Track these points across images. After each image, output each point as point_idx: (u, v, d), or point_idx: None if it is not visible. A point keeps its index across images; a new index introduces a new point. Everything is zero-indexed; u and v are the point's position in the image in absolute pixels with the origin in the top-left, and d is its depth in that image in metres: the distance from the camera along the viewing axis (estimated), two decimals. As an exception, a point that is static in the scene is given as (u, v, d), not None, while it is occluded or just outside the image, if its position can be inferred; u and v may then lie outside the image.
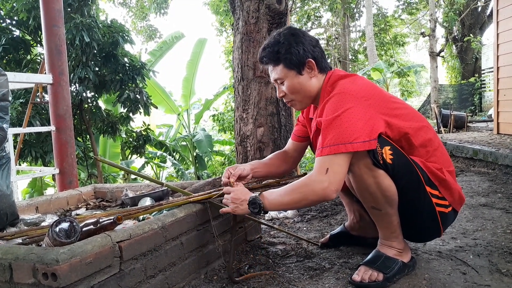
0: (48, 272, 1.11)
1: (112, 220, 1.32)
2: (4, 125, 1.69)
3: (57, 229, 1.18)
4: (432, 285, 1.47)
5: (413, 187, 1.45)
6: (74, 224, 1.22)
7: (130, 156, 10.41)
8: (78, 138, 7.95)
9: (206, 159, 11.94)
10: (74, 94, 7.09)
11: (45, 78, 3.14)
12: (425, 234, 1.61)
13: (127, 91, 7.14)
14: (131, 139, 8.82)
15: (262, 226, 2.32)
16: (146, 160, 10.65)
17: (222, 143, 13.38)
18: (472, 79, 15.72)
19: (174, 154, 11.38)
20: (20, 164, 7.29)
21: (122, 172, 10.89)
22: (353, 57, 19.23)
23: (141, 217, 1.78)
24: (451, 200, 1.52)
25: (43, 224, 1.88)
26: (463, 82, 16.57)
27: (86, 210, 2.33)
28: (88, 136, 7.96)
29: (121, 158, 10.24)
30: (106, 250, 1.25)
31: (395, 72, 13.12)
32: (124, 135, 8.74)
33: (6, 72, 1.80)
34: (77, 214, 2.24)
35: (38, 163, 7.15)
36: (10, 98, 1.75)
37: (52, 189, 9.88)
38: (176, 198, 1.77)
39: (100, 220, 1.36)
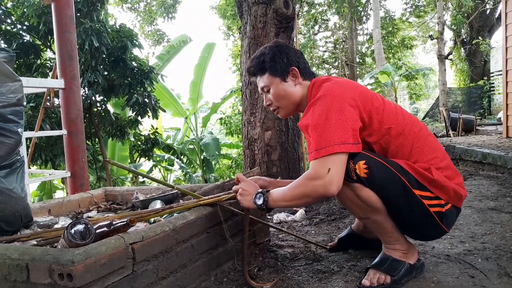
0: (64, 272, 1.14)
1: (125, 222, 1.36)
2: (19, 130, 1.74)
3: (73, 231, 1.21)
4: (440, 288, 1.48)
5: (399, 193, 1.46)
6: (89, 226, 1.25)
7: (138, 159, 10.49)
8: (87, 142, 8.03)
9: (213, 163, 11.98)
10: (83, 97, 7.16)
11: (57, 83, 3.19)
12: (428, 234, 1.62)
13: (135, 95, 7.21)
14: (139, 143, 8.90)
15: (271, 229, 2.34)
16: (154, 163, 10.73)
17: (229, 146, 13.43)
18: (481, 82, 15.63)
19: (182, 157, 11.45)
20: (30, 167, 7.38)
21: (131, 175, 10.97)
22: (361, 60, 19.20)
23: (152, 219, 1.81)
24: (446, 198, 1.51)
25: (56, 226, 1.91)
26: (471, 85, 16.48)
27: (98, 212, 2.37)
28: (97, 139, 8.04)
29: (129, 161, 10.32)
30: (119, 252, 1.28)
31: (403, 75, 13.08)
32: (132, 139, 8.82)
33: (20, 77, 1.85)
34: (88, 217, 2.28)
35: (48, 166, 7.24)
36: (24, 103, 1.79)
37: (61, 192, 9.98)
38: (187, 201, 1.80)
39: (113, 223, 1.39)
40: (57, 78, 3.20)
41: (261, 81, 1.71)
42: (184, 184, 10.29)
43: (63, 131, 3.23)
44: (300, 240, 2.23)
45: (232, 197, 1.77)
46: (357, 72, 18.13)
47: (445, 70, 15.30)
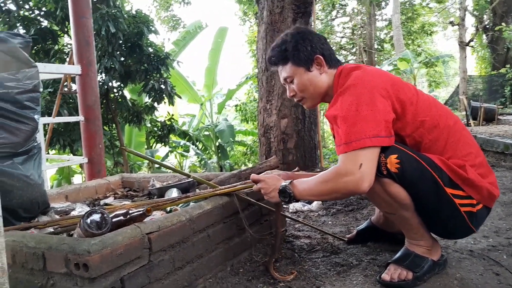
0: (80, 262, 1.13)
1: (141, 212, 1.34)
2: (36, 116, 1.73)
3: (89, 220, 1.20)
4: (464, 286, 1.44)
5: (430, 190, 1.39)
6: (105, 215, 1.24)
7: (154, 145, 10.56)
8: (105, 127, 8.10)
9: (228, 149, 11.99)
10: (100, 83, 7.20)
11: (74, 69, 3.19)
12: (455, 233, 1.55)
13: (151, 81, 7.21)
14: (155, 129, 8.93)
15: (288, 219, 2.31)
16: (170, 149, 10.78)
17: (244, 133, 13.40)
18: (503, 70, 15.16)
19: (197, 143, 11.48)
20: (48, 152, 7.49)
21: (147, 161, 11.07)
22: (379, 47, 18.82)
23: (168, 208, 1.79)
24: (479, 198, 1.43)
25: (72, 213, 1.91)
26: (493, 73, 16.02)
27: (114, 199, 2.37)
28: (114, 125, 8.10)
29: (146, 147, 10.39)
30: (136, 242, 1.26)
31: (422, 62, 12.78)
32: (149, 125, 8.86)
33: (36, 63, 1.83)
34: (105, 204, 2.28)
35: (66, 150, 7.34)
36: (41, 89, 1.78)
37: (79, 176, 10.14)
38: (203, 191, 1.77)
39: (130, 212, 1.37)
40: (73, 64, 3.20)
41: (284, 71, 1.62)
42: (199, 172, 10.34)
43: (80, 117, 3.24)
44: (317, 231, 2.19)
45: (248, 187, 1.74)
46: (375, 59, 17.80)
47: (465, 57, 14.91)
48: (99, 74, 7.17)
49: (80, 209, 1.89)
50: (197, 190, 1.89)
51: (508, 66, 15.08)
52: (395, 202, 1.43)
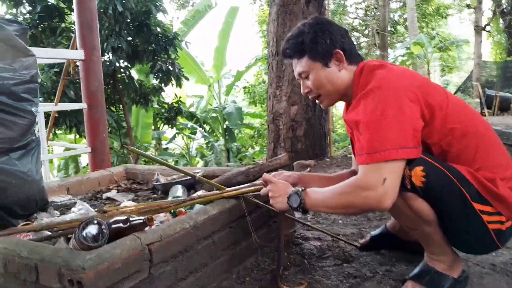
0: (74, 279, 1.05)
1: (142, 221, 1.24)
2: (33, 109, 1.62)
3: (84, 233, 1.10)
4: (487, 306, 1.33)
5: (456, 206, 1.27)
6: (103, 227, 1.14)
7: (161, 126, 10.49)
8: (111, 108, 8.02)
9: (235, 132, 11.88)
10: (107, 64, 7.09)
11: (77, 54, 3.06)
12: (479, 250, 1.43)
13: (159, 62, 7.07)
14: (163, 110, 8.83)
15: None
16: (177, 131, 10.71)
17: (252, 116, 13.26)
18: (518, 56, 14.77)
19: (204, 125, 11.38)
20: (55, 133, 7.44)
21: (154, 142, 11.02)
22: (393, 29, 18.36)
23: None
24: (508, 215, 1.30)
25: (73, 209, 1.83)
26: (508, 59, 15.60)
27: (118, 192, 2.29)
28: (121, 106, 8.01)
29: (153, 128, 10.32)
30: (135, 254, 1.17)
31: (437, 47, 12.43)
32: (156, 106, 8.75)
33: (37, 48, 1.73)
34: (108, 197, 2.20)
35: (73, 131, 7.28)
36: (39, 80, 1.67)
37: (85, 156, 10.13)
38: (209, 193, 1.67)
39: (130, 219, 1.28)
40: (76, 49, 3.08)
41: (299, 66, 1.47)
42: (207, 156, 10.25)
43: (83, 105, 3.12)
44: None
45: (257, 190, 1.64)
46: (388, 41, 17.39)
47: (481, 42, 14.49)
48: (106, 54, 7.05)
49: (80, 206, 1.81)
50: (201, 192, 1.79)
51: (524, 52, 14.66)
52: (418, 217, 1.31)
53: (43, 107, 3.28)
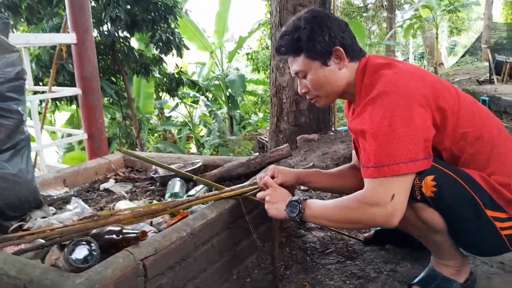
0: (64, 304, 1.00)
1: (135, 236, 1.19)
2: (20, 108, 1.54)
3: (73, 256, 1.05)
4: (495, 313, 1.29)
5: (468, 214, 1.19)
6: (92, 246, 1.09)
7: (163, 96, 10.36)
8: (112, 78, 7.89)
9: (238, 99, 11.73)
10: (106, 34, 6.91)
11: (68, 37, 2.91)
12: (489, 253, 1.38)
13: (159, 32, 6.87)
14: (165, 80, 8.67)
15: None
16: (179, 100, 10.59)
17: (255, 82, 13.06)
18: (531, 17, 14.25)
19: (207, 93, 11.23)
20: (56, 104, 7.36)
21: (156, 111, 10.94)
22: (400, -10, 17.70)
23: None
24: None
25: (68, 207, 1.78)
26: (520, 20, 15.10)
27: (116, 182, 2.23)
28: (121, 77, 7.87)
29: (155, 97, 10.20)
30: (128, 272, 1.12)
31: (446, 10, 11.98)
32: (157, 75, 8.59)
33: (27, 34, 1.64)
34: (105, 189, 2.15)
35: (73, 102, 7.19)
36: (25, 76, 1.57)
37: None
38: (207, 193, 1.61)
39: (124, 231, 1.23)
40: (68, 32, 2.93)
41: (295, 64, 1.35)
42: (206, 156, 10.09)
43: (77, 90, 3.00)
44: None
45: (258, 189, 1.57)
46: (396, 3, 16.80)
47: (492, 2, 13.94)
48: (105, 24, 6.85)
49: (75, 204, 1.75)
50: (200, 187, 1.73)
51: (537, 12, 14.12)
52: (427, 227, 1.25)
53: (36, 96, 3.19)
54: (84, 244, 1.08)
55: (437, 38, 11.80)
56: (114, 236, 1.23)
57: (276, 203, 1.36)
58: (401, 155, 1.13)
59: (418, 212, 1.22)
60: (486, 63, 9.59)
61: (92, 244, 1.09)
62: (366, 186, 1.19)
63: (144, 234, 1.18)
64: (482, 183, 1.20)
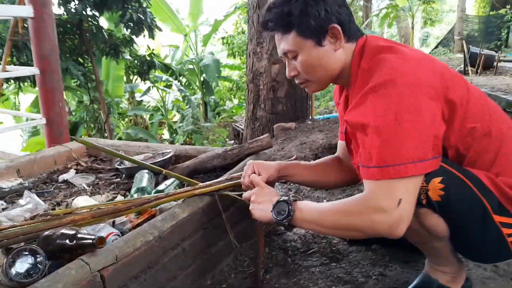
0: (-1, 330, 0.81)
1: (91, 242, 1.00)
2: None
3: (14, 271, 0.86)
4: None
5: (475, 220, 1.07)
6: (38, 258, 0.90)
7: (134, 79, 9.97)
8: (80, 59, 7.48)
9: (213, 85, 11.45)
10: (73, 12, 6.50)
11: (24, 10, 2.59)
12: (490, 260, 1.27)
13: (129, 11, 6.51)
14: (136, 62, 8.30)
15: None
16: (152, 84, 10.22)
17: (231, 67, 12.77)
18: (502, 11, 14.51)
19: (181, 78, 10.90)
20: (19, 86, 6.90)
21: (127, 95, 10.53)
22: (376, -22, 17.69)
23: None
24: None
25: (20, 202, 1.57)
26: (492, 13, 15.36)
27: (76, 173, 2.02)
28: (89, 58, 7.46)
29: (125, 80, 9.79)
30: (83, 286, 0.94)
31: (421, 0, 12.02)
32: (128, 57, 8.20)
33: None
34: (64, 180, 1.94)
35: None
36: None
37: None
38: (179, 190, 1.43)
39: (78, 236, 1.04)
40: (24, 4, 2.61)
41: (284, 43, 1.17)
42: (177, 146, 9.79)
43: (35, 70, 2.70)
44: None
45: (236, 184, 1.41)
46: (372, -8, 16.77)
47: (466, -5, 14.13)
48: (72, 0, 6.44)
49: (28, 199, 1.54)
50: (170, 187, 1.55)
51: (508, 6, 14.40)
52: (429, 234, 1.11)
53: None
54: (27, 255, 0.89)
55: (412, 28, 11.84)
56: (67, 241, 1.04)
57: (262, 203, 1.19)
58: (409, 154, 0.98)
59: (421, 218, 1.08)
60: (459, 55, 9.72)
61: (38, 255, 0.91)
62: (368, 188, 1.03)
63: (101, 240, 1.00)
64: (490, 185, 1.06)
